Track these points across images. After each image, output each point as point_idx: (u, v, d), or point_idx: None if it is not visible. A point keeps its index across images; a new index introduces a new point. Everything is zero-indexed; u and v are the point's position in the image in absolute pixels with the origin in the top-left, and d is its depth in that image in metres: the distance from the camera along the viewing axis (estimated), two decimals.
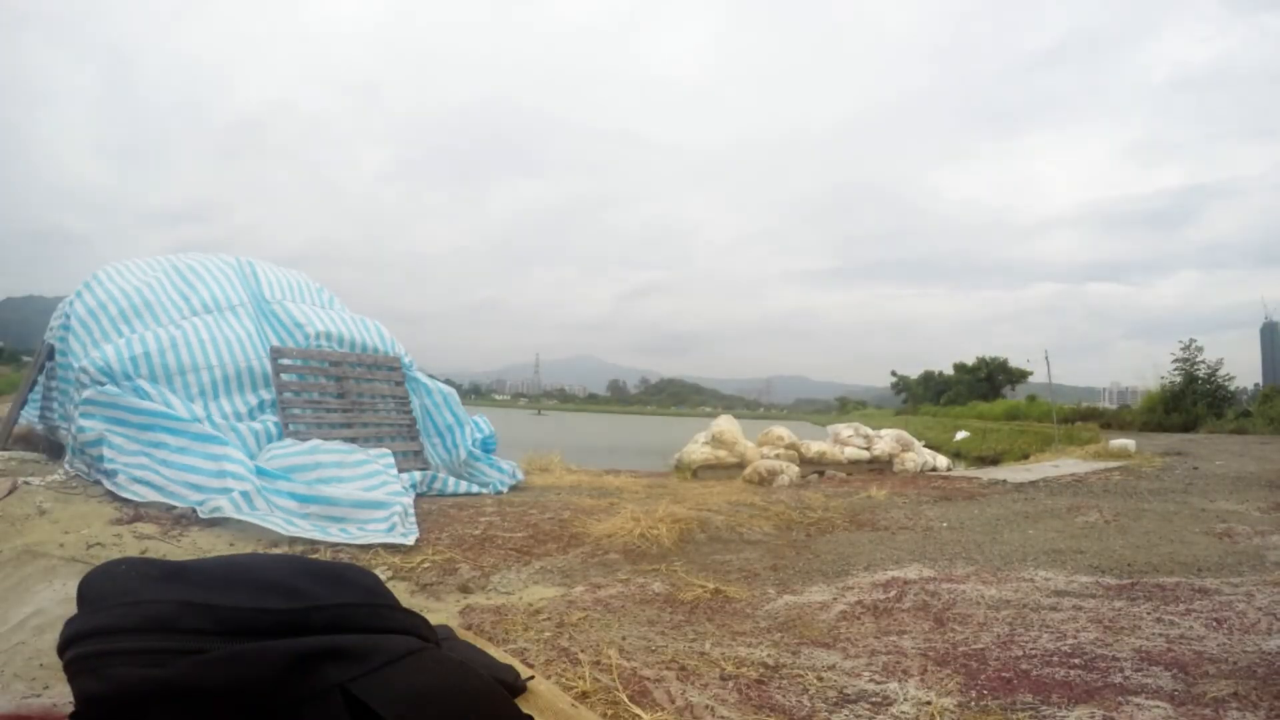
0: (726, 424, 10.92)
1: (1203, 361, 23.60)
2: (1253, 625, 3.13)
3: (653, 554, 4.69)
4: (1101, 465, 10.87)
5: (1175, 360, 24.17)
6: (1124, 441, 13.30)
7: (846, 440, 11.39)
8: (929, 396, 51.33)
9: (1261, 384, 33.34)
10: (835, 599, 3.74)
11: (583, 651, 2.81)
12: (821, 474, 10.40)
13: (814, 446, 10.90)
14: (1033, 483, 8.97)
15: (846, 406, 75.11)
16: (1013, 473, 10.27)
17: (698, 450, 10.50)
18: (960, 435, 22.86)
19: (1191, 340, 24.08)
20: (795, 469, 9.65)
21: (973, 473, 10.96)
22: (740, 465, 9.98)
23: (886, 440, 11.49)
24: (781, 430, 11.11)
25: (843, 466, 10.78)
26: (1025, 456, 15.31)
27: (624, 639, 2.99)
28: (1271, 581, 3.98)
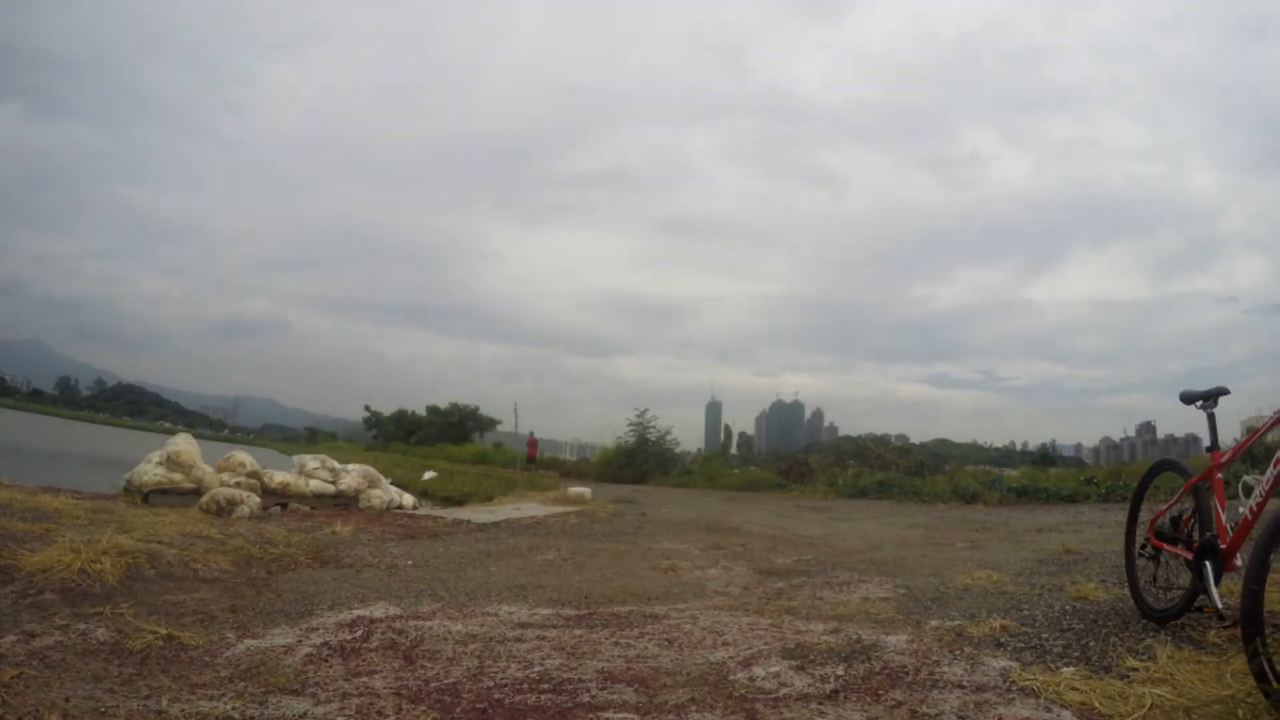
0: (185, 444, 10.23)
1: (654, 426, 29.09)
2: (699, 642, 3.72)
3: (96, 593, 4.35)
4: (560, 509, 12.29)
5: (630, 424, 29.37)
6: (581, 489, 15.32)
7: (312, 472, 11.12)
8: (400, 435, 53.17)
9: (704, 448, 42.56)
10: (300, 641, 3.71)
11: None
12: (284, 506, 10.20)
13: (278, 476, 10.63)
14: (496, 523, 9.69)
15: (316, 437, 73.14)
16: (476, 513, 11.01)
17: (150, 471, 9.70)
18: (428, 475, 24.18)
19: (645, 409, 29.65)
20: (257, 499, 9.41)
21: (438, 512, 11.41)
22: (197, 491, 9.53)
23: (353, 475, 11.47)
24: (244, 456, 10.70)
25: (307, 499, 10.62)
26: (489, 499, 16.67)
27: (68, 700, 2.73)
28: (712, 606, 4.83)
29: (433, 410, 54.35)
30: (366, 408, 62.28)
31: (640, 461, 27.37)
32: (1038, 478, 18.41)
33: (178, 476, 9.70)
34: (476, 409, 52.62)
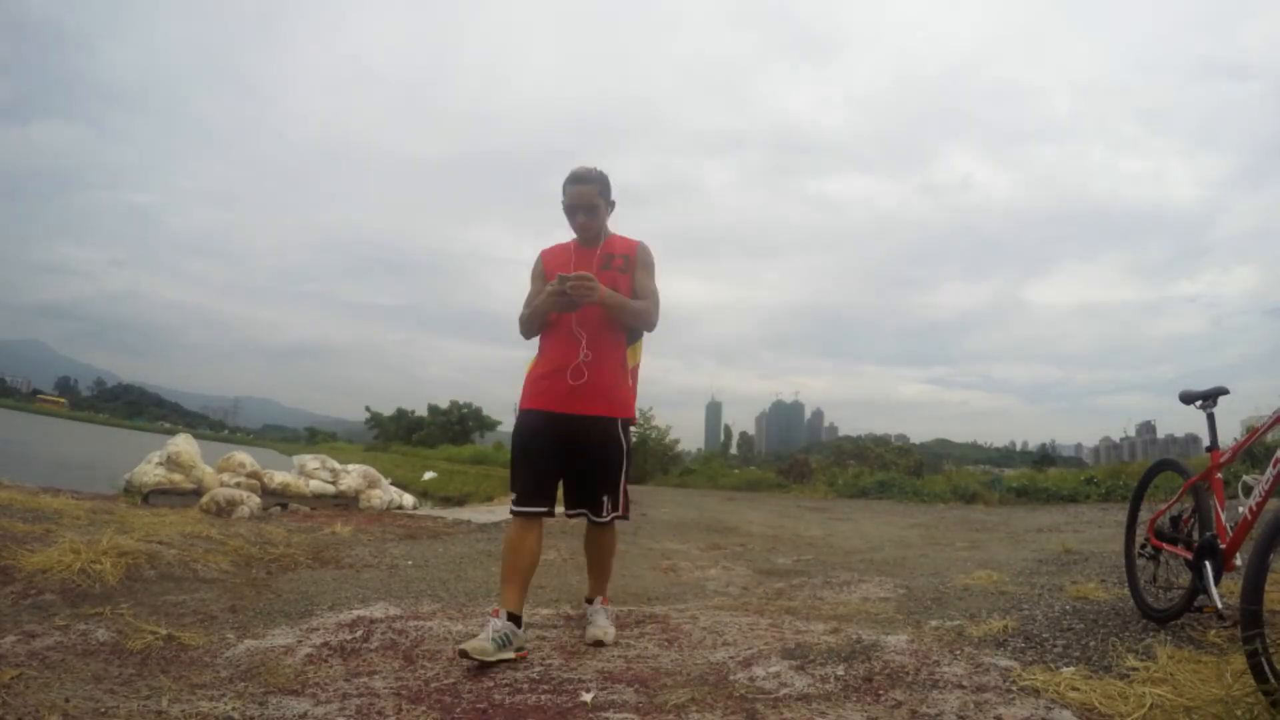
0: (185, 444, 10.30)
1: (654, 427, 29.26)
2: (699, 642, 3.71)
3: (96, 594, 4.36)
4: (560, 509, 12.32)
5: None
6: None
7: (312, 472, 11.16)
8: (401, 435, 53.18)
9: (704, 447, 42.78)
10: (300, 641, 3.70)
11: None
12: (284, 507, 10.24)
13: (278, 477, 10.66)
14: (496, 523, 9.67)
15: (316, 437, 72.95)
16: (477, 513, 11.04)
17: (150, 471, 9.78)
18: (429, 475, 24.13)
19: (650, 408, 30.03)
20: (256, 500, 9.44)
21: (438, 512, 11.43)
22: (197, 492, 9.57)
23: (354, 475, 11.50)
24: (244, 456, 10.73)
25: (307, 500, 10.66)
26: (490, 499, 16.81)
27: (68, 701, 2.73)
28: (712, 606, 4.84)
29: (434, 410, 54.42)
30: (367, 408, 62.20)
31: (640, 461, 27.43)
32: (1037, 478, 18.43)
33: (178, 477, 9.75)
34: (479, 409, 52.73)
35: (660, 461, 28.03)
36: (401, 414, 57.46)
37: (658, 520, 11.31)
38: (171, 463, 9.88)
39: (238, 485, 9.84)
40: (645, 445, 28.35)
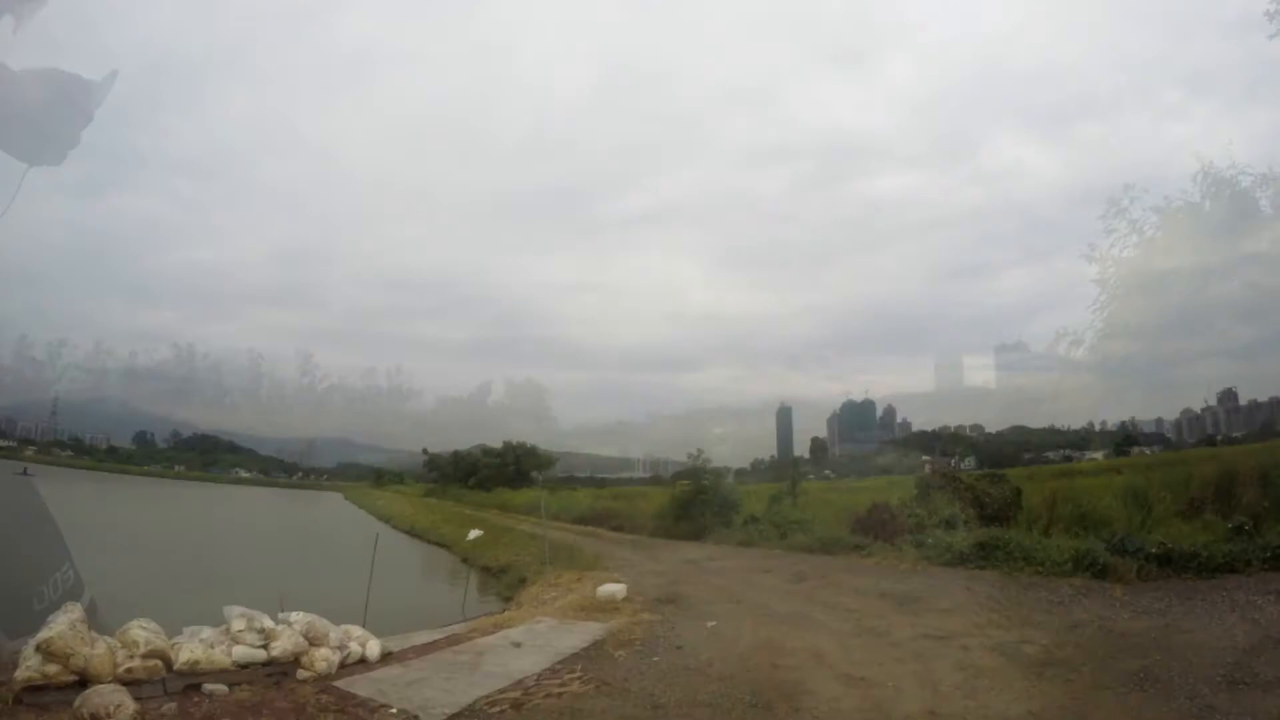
0: (65, 626, 7.72)
1: (711, 471, 26.56)
2: None
3: None
4: (574, 643, 10.01)
5: (688, 463, 27.18)
6: (614, 587, 12.83)
7: (238, 635, 8.41)
8: (459, 476, 51.49)
9: (777, 454, 39.83)
10: None
11: None
12: (198, 688, 7.91)
13: (188, 650, 8.13)
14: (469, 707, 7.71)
15: (383, 478, 72.05)
16: (452, 671, 8.95)
17: (24, 663, 7.49)
18: (474, 534, 23.42)
19: (700, 451, 27.13)
20: (133, 707, 7.18)
21: (386, 695, 8.32)
22: (82, 682, 7.42)
23: (292, 633, 8.66)
24: (142, 631, 8.05)
25: (230, 674, 8.17)
26: (523, 580, 17.23)
27: None
28: None
29: (487, 452, 52.23)
30: (424, 450, 60.35)
31: (698, 513, 24.11)
32: (1182, 535, 14.09)
33: (53, 669, 7.40)
34: (533, 448, 50.24)
35: (721, 509, 24.48)
36: (459, 456, 55.57)
37: (692, 666, 8.38)
38: (47, 652, 7.37)
39: (129, 672, 7.62)
40: (704, 492, 25.09)
